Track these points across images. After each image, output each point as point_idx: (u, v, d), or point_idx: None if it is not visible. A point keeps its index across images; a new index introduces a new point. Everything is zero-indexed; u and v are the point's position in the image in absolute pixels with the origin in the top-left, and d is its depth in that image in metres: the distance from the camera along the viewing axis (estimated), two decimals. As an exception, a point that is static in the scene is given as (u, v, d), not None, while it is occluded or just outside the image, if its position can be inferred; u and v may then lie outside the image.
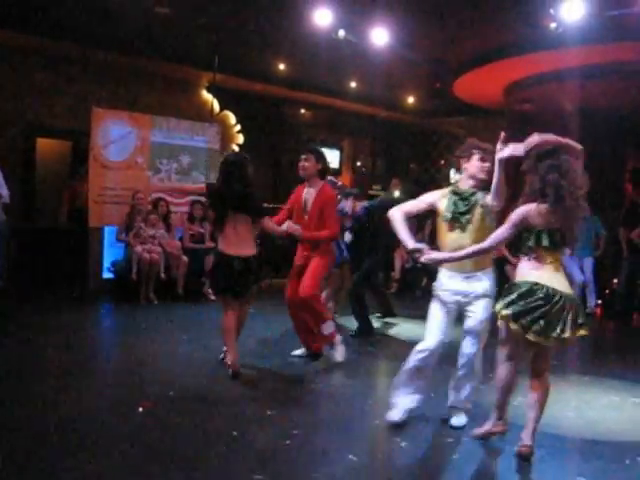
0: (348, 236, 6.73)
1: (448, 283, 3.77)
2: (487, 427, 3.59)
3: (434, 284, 3.89)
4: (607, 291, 8.94)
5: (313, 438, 3.65)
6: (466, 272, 3.72)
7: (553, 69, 9.33)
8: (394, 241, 7.84)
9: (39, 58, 9.17)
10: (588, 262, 8.54)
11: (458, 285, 3.73)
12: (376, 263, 6.90)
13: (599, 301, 8.77)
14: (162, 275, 7.93)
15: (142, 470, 3.07)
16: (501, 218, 3.59)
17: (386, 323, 7.29)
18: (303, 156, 5.18)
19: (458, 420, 3.88)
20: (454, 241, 3.69)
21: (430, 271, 9.49)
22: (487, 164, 3.76)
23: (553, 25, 7.45)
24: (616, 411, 4.45)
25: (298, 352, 5.42)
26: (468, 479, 3.22)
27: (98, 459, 3.16)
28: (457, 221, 3.69)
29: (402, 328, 7.11)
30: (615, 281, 8.79)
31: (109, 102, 8.94)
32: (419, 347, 3.77)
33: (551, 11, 7.35)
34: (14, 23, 8.31)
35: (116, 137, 8.36)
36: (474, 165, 3.79)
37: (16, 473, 2.96)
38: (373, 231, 6.72)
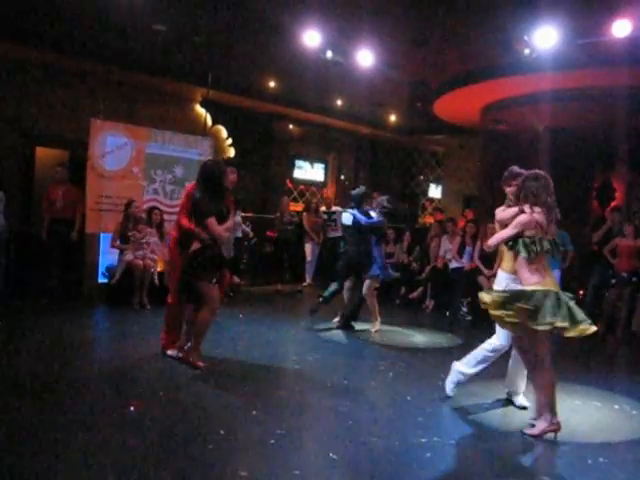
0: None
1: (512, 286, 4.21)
2: (542, 426, 3.95)
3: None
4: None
5: (296, 437, 3.76)
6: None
7: (526, 92, 9.86)
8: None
9: (40, 70, 9.39)
10: (555, 274, 8.96)
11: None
12: (340, 268, 7.40)
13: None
14: (156, 282, 8.08)
15: (132, 467, 3.16)
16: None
17: (366, 330, 7.38)
18: None
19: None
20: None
21: (408, 281, 9.93)
22: None
23: (527, 51, 7.92)
24: (579, 414, 4.59)
25: None
26: (442, 476, 3.40)
27: (88, 456, 3.26)
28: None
29: (382, 335, 7.26)
30: (581, 292, 9.22)
31: (107, 114, 9.21)
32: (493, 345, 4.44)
33: (525, 38, 7.82)
34: (16, 36, 8.59)
35: (113, 147, 8.63)
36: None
37: (5, 472, 3.01)
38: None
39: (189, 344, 5.26)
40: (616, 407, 4.88)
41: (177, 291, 5.37)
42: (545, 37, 7.63)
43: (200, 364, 5.08)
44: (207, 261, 5.02)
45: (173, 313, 5.51)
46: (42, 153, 9.94)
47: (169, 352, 5.46)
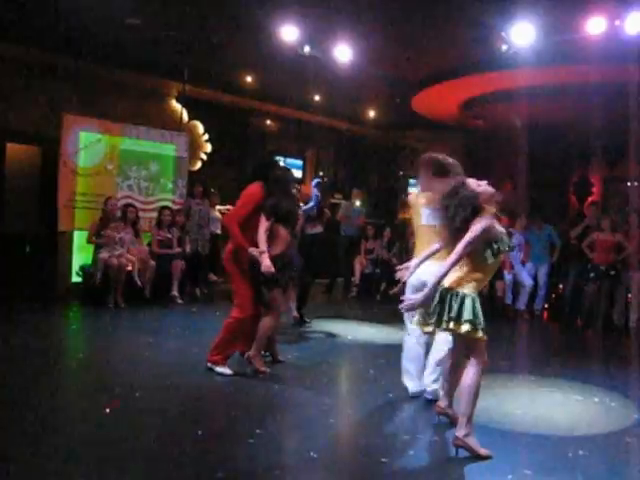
0: None
1: None
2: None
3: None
4: (554, 295, 9.43)
5: (275, 437, 3.74)
6: None
7: (504, 88, 9.90)
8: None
9: (10, 64, 9.16)
10: (544, 269, 9.02)
11: None
12: None
13: (546, 305, 9.26)
14: (137, 281, 7.90)
15: (106, 469, 3.13)
16: None
17: (346, 327, 7.43)
18: None
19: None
20: None
21: (388, 277, 9.91)
22: None
23: (504, 47, 7.96)
24: (560, 408, 4.65)
25: None
26: (422, 473, 3.39)
27: (64, 457, 3.22)
28: None
29: (362, 332, 7.24)
30: (560, 286, 9.29)
31: (80, 109, 9.00)
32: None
33: (503, 34, 7.85)
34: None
35: (86, 144, 8.48)
36: None
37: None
38: None
39: None
40: (596, 400, 4.92)
41: (255, 300, 5.06)
42: (522, 33, 7.70)
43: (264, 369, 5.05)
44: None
45: (247, 326, 5.09)
46: (12, 150, 9.69)
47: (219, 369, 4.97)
